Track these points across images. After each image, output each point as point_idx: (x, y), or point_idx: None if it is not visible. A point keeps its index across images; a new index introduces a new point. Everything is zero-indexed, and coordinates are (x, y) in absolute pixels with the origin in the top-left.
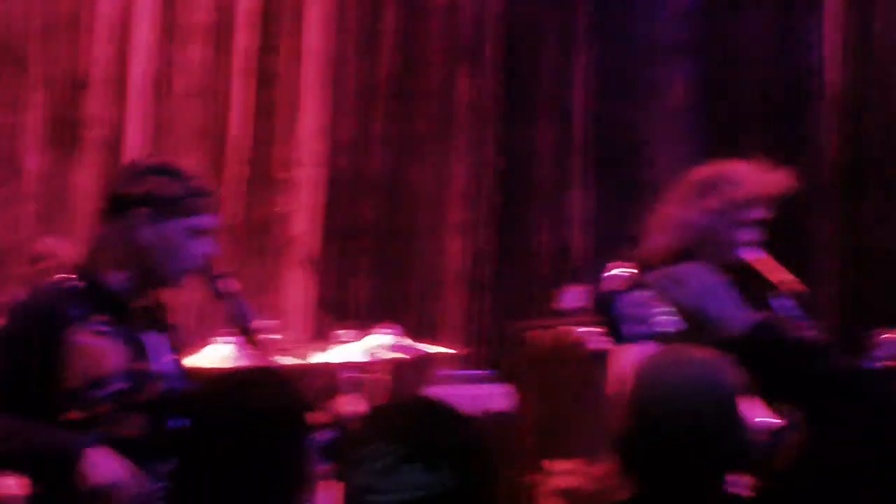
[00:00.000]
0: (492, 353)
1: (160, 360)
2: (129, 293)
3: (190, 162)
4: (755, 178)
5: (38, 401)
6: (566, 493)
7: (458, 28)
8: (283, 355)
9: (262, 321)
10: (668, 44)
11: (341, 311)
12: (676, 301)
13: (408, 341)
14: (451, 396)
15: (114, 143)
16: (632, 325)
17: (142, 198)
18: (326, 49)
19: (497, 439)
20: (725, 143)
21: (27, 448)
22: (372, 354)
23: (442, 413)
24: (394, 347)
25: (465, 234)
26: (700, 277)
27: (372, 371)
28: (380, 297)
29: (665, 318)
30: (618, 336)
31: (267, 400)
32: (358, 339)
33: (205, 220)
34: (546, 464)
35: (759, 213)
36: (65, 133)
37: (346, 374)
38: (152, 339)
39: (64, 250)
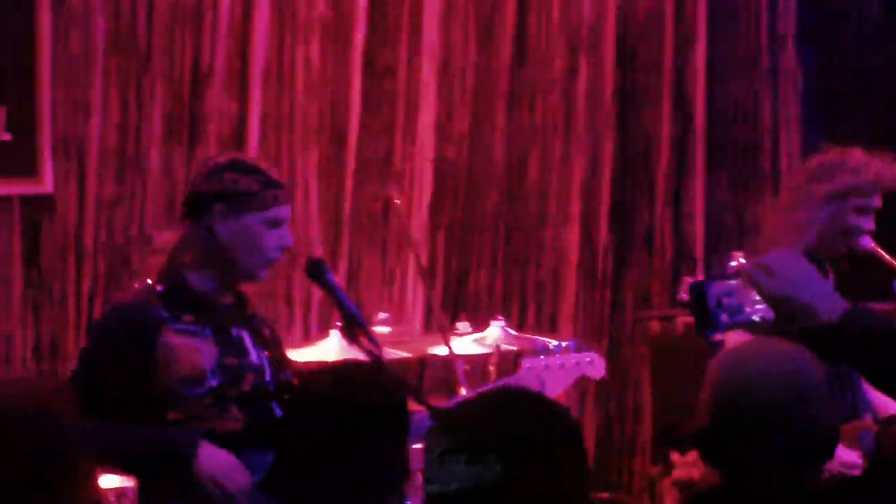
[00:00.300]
0: (611, 345)
1: (251, 354)
2: (214, 290)
3: (257, 157)
4: (873, 166)
5: (138, 404)
6: (685, 485)
7: (577, 19)
8: (396, 348)
9: (372, 314)
10: (788, 30)
11: (458, 304)
12: (766, 290)
13: (526, 334)
14: (540, 368)
15: (234, 138)
16: (721, 315)
17: (217, 194)
18: (443, 41)
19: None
20: (847, 131)
21: (140, 450)
22: (490, 347)
23: (511, 403)
24: (512, 340)
25: (584, 226)
26: (790, 265)
27: (489, 363)
28: (498, 289)
29: (754, 307)
30: (708, 326)
31: (366, 393)
32: (475, 331)
33: (280, 212)
34: (670, 455)
35: (876, 201)
36: (186, 127)
37: (463, 367)
38: (241, 334)
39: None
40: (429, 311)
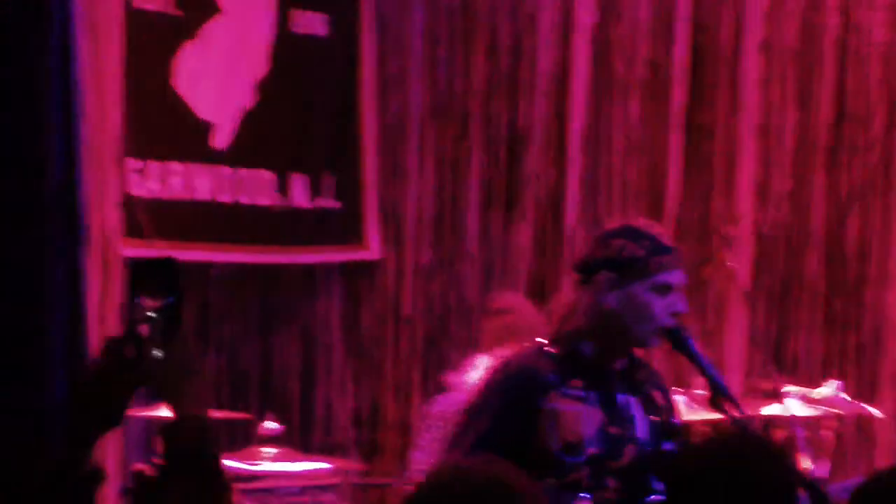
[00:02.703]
0: None
1: (636, 423)
2: (603, 357)
3: (651, 221)
4: None
5: (516, 465)
6: None
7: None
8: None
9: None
10: None
11: (779, 365)
12: None
13: (851, 398)
14: None
15: (552, 201)
16: None
17: (605, 262)
18: (762, 101)
19: None
20: None
21: None
22: (819, 410)
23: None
24: (840, 404)
25: None
26: None
27: (820, 428)
28: (818, 351)
29: None
30: None
31: (758, 469)
32: (802, 393)
33: (670, 277)
34: None
35: None
36: (504, 191)
37: (795, 431)
38: (628, 402)
39: (523, 306)
40: (749, 374)
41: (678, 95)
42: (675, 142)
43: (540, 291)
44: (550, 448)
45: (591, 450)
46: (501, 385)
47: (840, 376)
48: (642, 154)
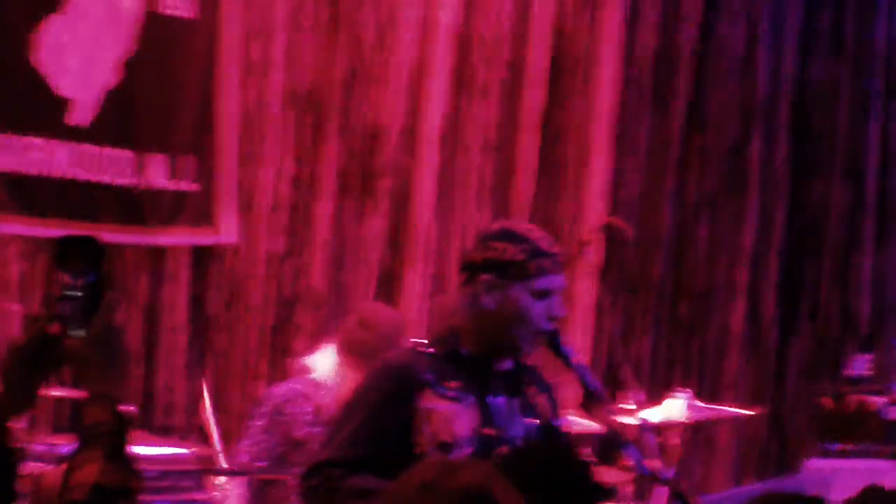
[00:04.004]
0: (774, 416)
1: (512, 426)
2: (483, 359)
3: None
4: None
5: (390, 463)
6: None
7: (753, 88)
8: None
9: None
10: None
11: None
12: None
13: (701, 403)
14: (828, 470)
15: (406, 194)
16: None
17: (485, 264)
18: (616, 107)
19: None
20: None
21: None
22: (667, 417)
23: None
24: (687, 410)
25: (750, 294)
26: None
27: (667, 434)
28: (661, 355)
29: None
30: None
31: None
32: (648, 400)
33: (549, 282)
34: None
35: None
36: (358, 182)
37: (655, 440)
38: (505, 404)
39: (385, 323)
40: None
41: (534, 97)
42: (530, 142)
43: (389, 284)
44: (423, 446)
45: (465, 450)
46: (378, 382)
47: (684, 379)
48: (497, 153)
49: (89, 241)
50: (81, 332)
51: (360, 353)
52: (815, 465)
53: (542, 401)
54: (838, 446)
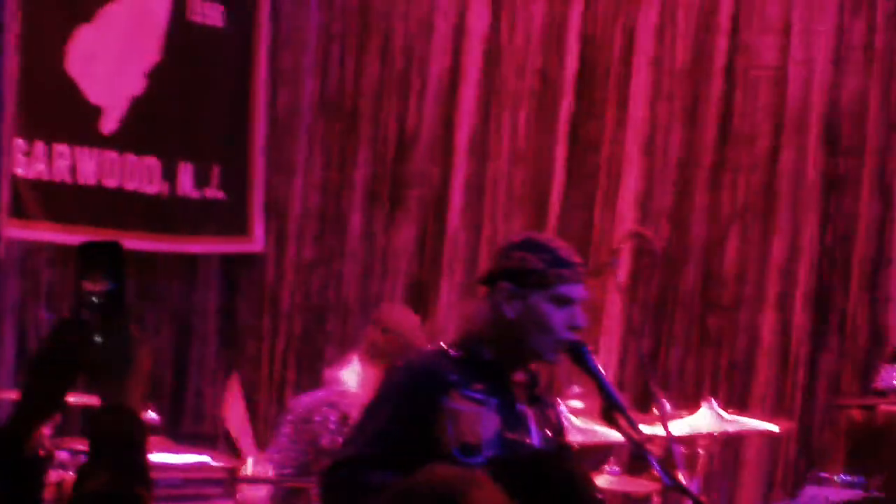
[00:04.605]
0: (803, 431)
1: (532, 434)
2: (504, 365)
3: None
4: None
5: (413, 462)
6: None
7: (785, 99)
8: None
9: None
10: None
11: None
12: None
13: (730, 416)
14: (821, 499)
15: (436, 204)
16: None
17: (506, 273)
18: (649, 117)
19: None
20: None
21: None
22: (694, 429)
23: None
24: (715, 422)
25: (780, 308)
26: None
27: (694, 446)
28: (690, 368)
29: None
30: None
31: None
32: (677, 412)
33: (570, 290)
34: None
35: None
36: (388, 191)
37: (681, 450)
38: (527, 412)
39: (407, 325)
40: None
41: (566, 107)
42: (561, 152)
43: (418, 293)
44: (447, 447)
45: (488, 453)
46: (403, 381)
47: (711, 394)
48: (528, 162)
49: (111, 248)
50: (99, 339)
51: (381, 355)
52: (813, 493)
53: (552, 416)
54: (840, 476)
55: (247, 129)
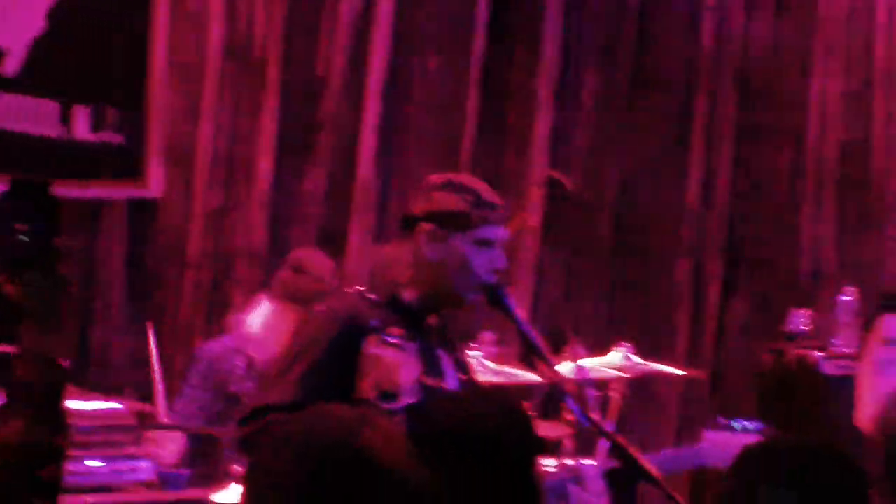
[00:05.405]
0: (714, 375)
1: (448, 378)
2: (424, 309)
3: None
4: None
5: None
6: None
7: (697, 47)
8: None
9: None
10: None
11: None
12: None
13: (640, 360)
14: (722, 443)
15: (347, 149)
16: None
17: (427, 214)
18: (560, 61)
19: None
20: None
21: None
22: (605, 372)
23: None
24: (626, 366)
25: (693, 255)
26: None
27: (606, 389)
28: (604, 315)
29: None
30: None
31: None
32: (590, 356)
33: (492, 232)
34: None
35: None
36: (298, 137)
37: (594, 393)
38: (443, 356)
39: (319, 266)
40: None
41: (479, 51)
42: (473, 98)
43: (329, 239)
44: (366, 393)
45: (406, 399)
46: (325, 326)
47: (625, 338)
48: (440, 108)
49: (42, 188)
50: (18, 281)
51: (296, 297)
52: (713, 438)
53: (463, 357)
54: (740, 422)
55: (146, 72)
